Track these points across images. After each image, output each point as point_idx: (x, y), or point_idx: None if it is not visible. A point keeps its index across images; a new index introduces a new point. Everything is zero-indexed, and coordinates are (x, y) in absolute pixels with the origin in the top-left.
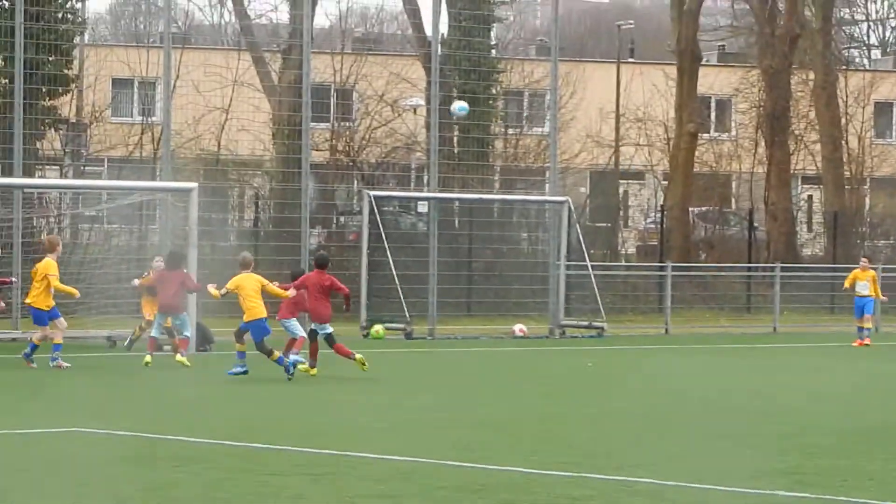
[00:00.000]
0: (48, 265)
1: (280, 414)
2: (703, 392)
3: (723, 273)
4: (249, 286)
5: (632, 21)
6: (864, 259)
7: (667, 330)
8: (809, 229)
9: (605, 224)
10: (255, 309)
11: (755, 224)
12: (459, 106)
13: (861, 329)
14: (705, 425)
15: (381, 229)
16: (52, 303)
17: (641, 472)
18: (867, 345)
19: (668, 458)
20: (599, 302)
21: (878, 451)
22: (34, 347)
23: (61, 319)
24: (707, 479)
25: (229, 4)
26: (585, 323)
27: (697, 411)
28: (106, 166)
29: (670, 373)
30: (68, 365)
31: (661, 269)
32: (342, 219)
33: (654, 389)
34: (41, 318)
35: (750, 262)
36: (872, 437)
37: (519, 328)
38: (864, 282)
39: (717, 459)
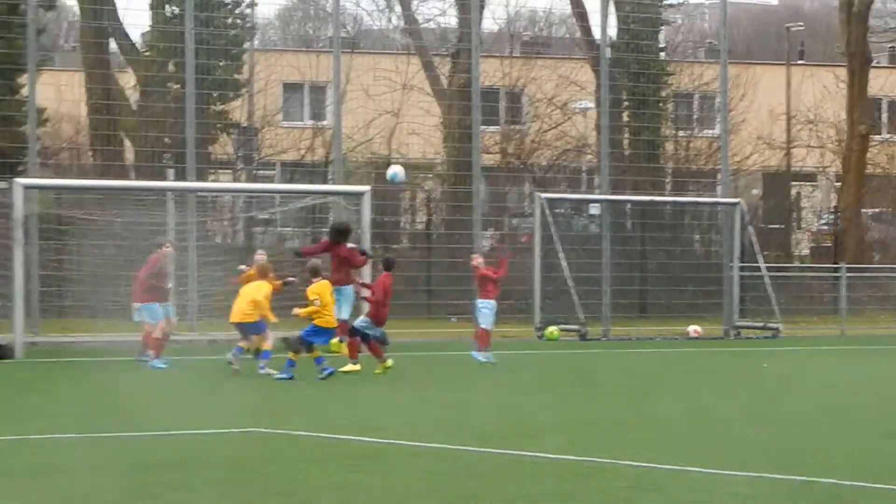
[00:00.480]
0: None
1: (452, 415)
2: (880, 393)
3: None
4: (327, 294)
5: (801, 23)
6: None
7: (842, 332)
8: None
9: (778, 226)
10: (331, 318)
11: None
12: (392, 173)
13: None
14: (884, 425)
15: (554, 231)
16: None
17: (819, 471)
18: None
19: (845, 457)
20: (774, 303)
21: None
22: (241, 350)
23: (268, 330)
24: (886, 479)
25: (397, 9)
26: (760, 324)
27: (875, 412)
28: (278, 170)
29: (846, 374)
30: (274, 373)
31: (836, 270)
32: (514, 221)
33: (831, 390)
34: (258, 327)
35: None
36: None
37: (693, 329)
38: None
39: None
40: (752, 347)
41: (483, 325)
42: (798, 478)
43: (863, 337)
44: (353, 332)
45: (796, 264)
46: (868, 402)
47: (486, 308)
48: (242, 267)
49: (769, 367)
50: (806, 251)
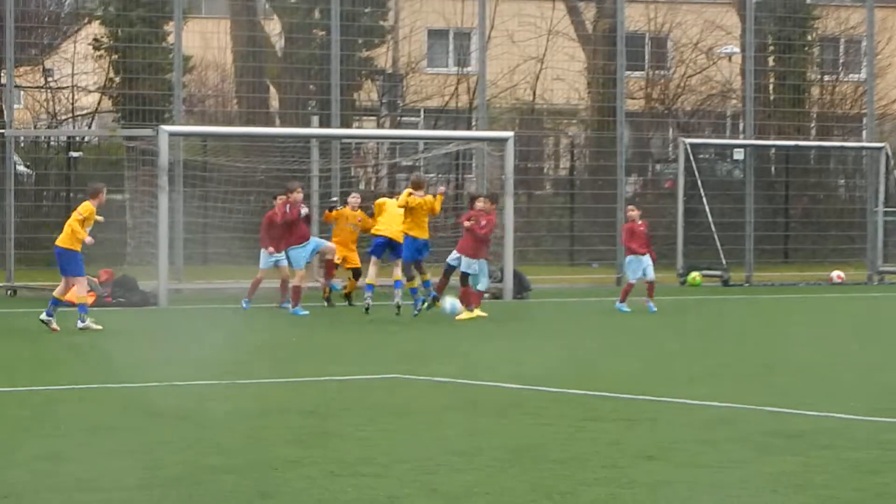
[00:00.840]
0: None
1: (592, 362)
2: None
3: None
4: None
5: None
6: None
7: None
8: None
9: None
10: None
11: None
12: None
13: None
14: None
15: (697, 177)
16: None
17: None
18: None
19: None
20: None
21: None
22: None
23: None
24: None
25: None
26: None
27: None
28: (422, 116)
29: None
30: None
31: None
32: (657, 167)
33: None
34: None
35: None
36: None
37: (837, 275)
38: None
39: None
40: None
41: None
42: None
43: None
44: (463, 279)
45: None
46: None
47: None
48: (335, 199)
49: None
50: None
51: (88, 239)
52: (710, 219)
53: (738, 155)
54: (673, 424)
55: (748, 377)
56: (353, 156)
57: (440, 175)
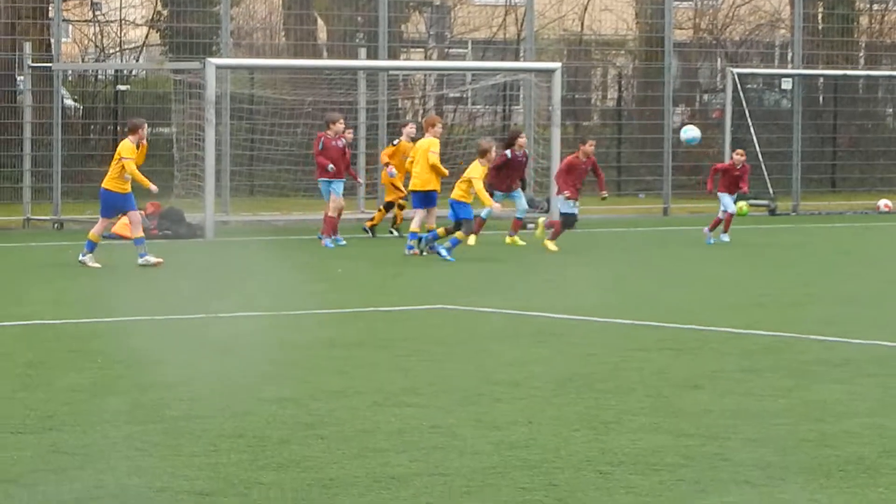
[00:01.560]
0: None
1: (640, 291)
2: None
3: None
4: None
5: None
6: None
7: None
8: None
9: None
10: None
11: None
12: (690, 137)
13: None
14: None
15: (745, 106)
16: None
17: None
18: None
19: None
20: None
21: None
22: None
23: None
24: None
25: None
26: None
27: None
28: (470, 48)
29: None
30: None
31: None
32: (705, 97)
33: None
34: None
35: None
36: None
37: (884, 203)
38: None
39: None
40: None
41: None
42: None
43: None
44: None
45: None
46: None
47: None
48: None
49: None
50: None
51: (153, 187)
52: (758, 149)
53: (786, 84)
54: (718, 353)
55: (793, 306)
56: (401, 88)
57: (487, 106)
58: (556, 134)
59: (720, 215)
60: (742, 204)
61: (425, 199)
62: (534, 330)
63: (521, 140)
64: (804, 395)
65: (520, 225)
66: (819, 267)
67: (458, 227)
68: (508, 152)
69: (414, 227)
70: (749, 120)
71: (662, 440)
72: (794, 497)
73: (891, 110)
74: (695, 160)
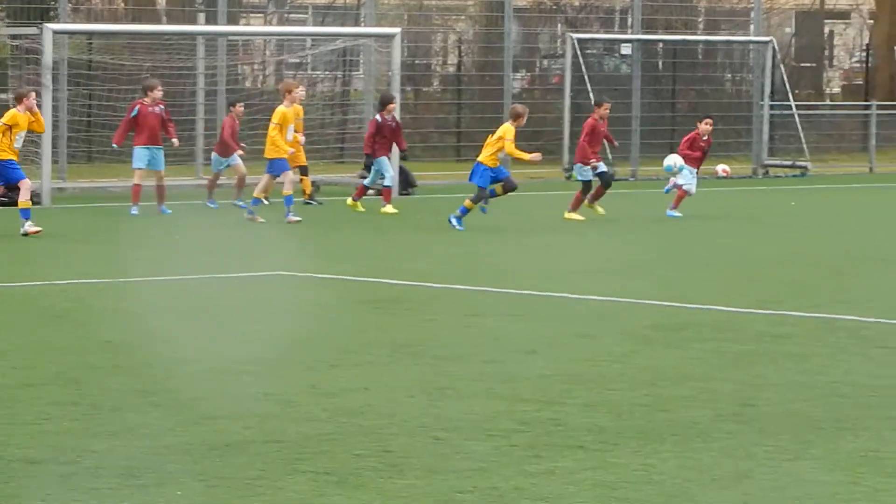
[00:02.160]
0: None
1: (473, 256)
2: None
3: None
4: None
5: None
6: None
7: (871, 168)
8: None
9: (809, 64)
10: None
11: None
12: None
13: None
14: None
15: (584, 72)
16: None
17: (842, 309)
18: None
19: (869, 296)
20: (803, 141)
21: None
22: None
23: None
24: None
25: None
26: (789, 162)
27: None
28: (310, 13)
29: (874, 211)
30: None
31: (866, 107)
32: (545, 62)
33: (858, 228)
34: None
35: None
36: None
37: (722, 168)
38: None
39: None
40: (781, 186)
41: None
42: (821, 315)
43: (891, 174)
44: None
45: (827, 102)
46: (894, 240)
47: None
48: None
49: (796, 205)
50: (837, 89)
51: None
52: None
53: (626, 50)
54: (554, 319)
55: (629, 271)
56: (240, 53)
57: (327, 72)
58: (395, 99)
59: (689, 190)
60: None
61: (276, 166)
62: (372, 296)
63: (392, 105)
64: (639, 360)
65: (364, 191)
66: (656, 232)
67: (508, 186)
68: (379, 117)
69: (258, 192)
70: (588, 85)
71: (497, 406)
72: (627, 461)
73: (729, 76)
74: (535, 125)
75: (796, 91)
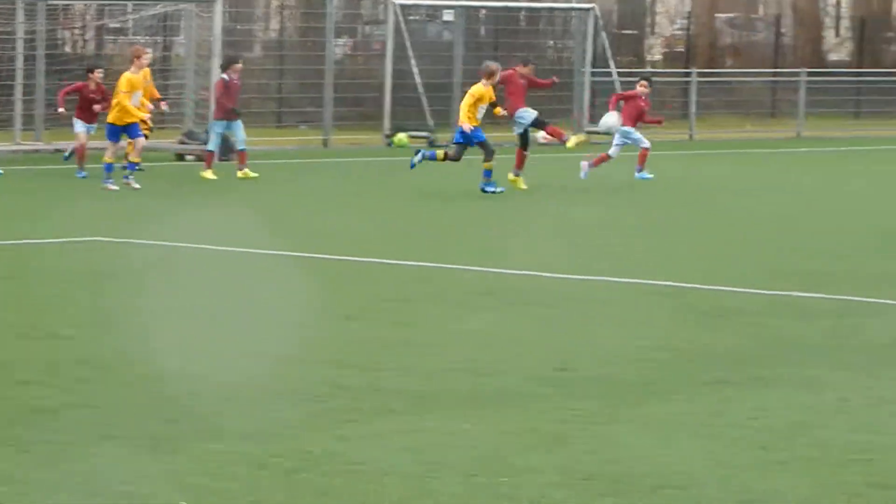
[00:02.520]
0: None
1: (289, 220)
2: (727, 197)
3: (748, 79)
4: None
5: None
6: None
7: (691, 136)
8: (836, 35)
9: (631, 31)
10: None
11: (782, 30)
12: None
13: None
14: (728, 230)
15: (407, 38)
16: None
17: (662, 275)
18: None
19: (688, 262)
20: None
21: None
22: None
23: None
24: (724, 281)
25: None
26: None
27: (720, 217)
28: None
29: (694, 178)
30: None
31: (687, 75)
32: (367, 28)
33: (677, 195)
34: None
35: (776, 68)
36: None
37: (542, 136)
38: None
39: (737, 263)
40: (602, 152)
41: None
42: (637, 280)
43: (711, 141)
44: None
45: (648, 69)
46: (713, 208)
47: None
48: None
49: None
50: (658, 56)
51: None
52: (419, 80)
53: (448, 16)
54: (372, 284)
55: (447, 237)
56: (60, 18)
57: (148, 37)
58: (216, 65)
59: (611, 152)
60: (402, 136)
61: (118, 132)
62: (189, 262)
63: (238, 65)
64: (454, 325)
65: (246, 156)
66: (474, 198)
67: (490, 154)
68: (226, 76)
69: (107, 157)
70: (410, 52)
71: (314, 371)
72: (441, 425)
73: (552, 43)
74: (355, 91)
75: (618, 58)
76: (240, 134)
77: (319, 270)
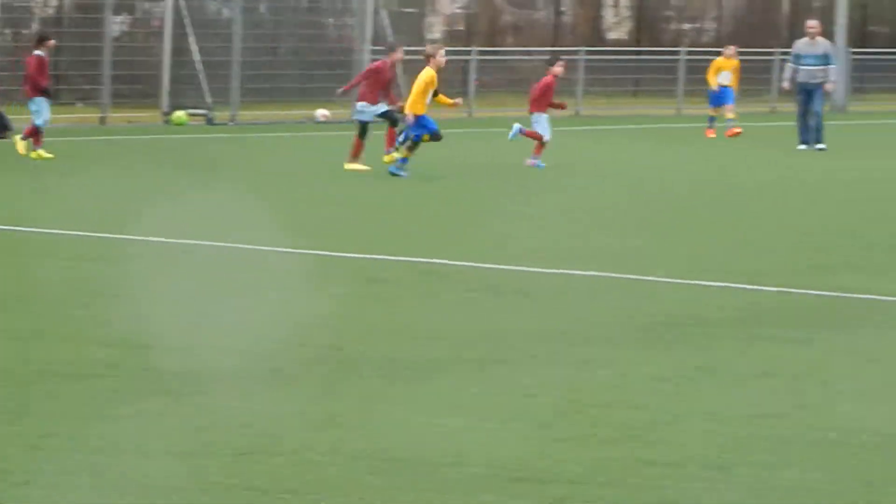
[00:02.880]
0: None
1: (70, 201)
2: (505, 175)
3: (528, 57)
4: None
5: None
6: (729, 47)
7: (470, 114)
8: (615, 14)
9: (412, 10)
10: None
11: (562, 8)
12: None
13: (712, 119)
14: (503, 203)
15: (186, 15)
16: None
17: (438, 254)
18: (738, 133)
19: (468, 242)
20: (400, 86)
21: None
22: None
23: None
24: (509, 261)
25: None
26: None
27: (488, 196)
28: None
29: (473, 155)
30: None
31: (467, 53)
32: (146, 5)
33: (451, 170)
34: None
35: (555, 47)
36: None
37: (321, 113)
38: (727, 71)
39: (514, 242)
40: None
41: None
42: (416, 259)
43: (489, 119)
44: None
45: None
46: (490, 181)
47: None
48: None
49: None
50: (438, 35)
51: None
52: (197, 57)
53: None
54: (137, 261)
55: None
56: None
57: None
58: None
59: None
60: (181, 113)
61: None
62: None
63: (50, 42)
64: (230, 303)
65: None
66: (253, 176)
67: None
68: (42, 52)
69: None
70: (189, 29)
71: (85, 350)
72: (217, 405)
73: (332, 20)
74: (135, 69)
75: (399, 36)
76: (46, 114)
77: (94, 249)
